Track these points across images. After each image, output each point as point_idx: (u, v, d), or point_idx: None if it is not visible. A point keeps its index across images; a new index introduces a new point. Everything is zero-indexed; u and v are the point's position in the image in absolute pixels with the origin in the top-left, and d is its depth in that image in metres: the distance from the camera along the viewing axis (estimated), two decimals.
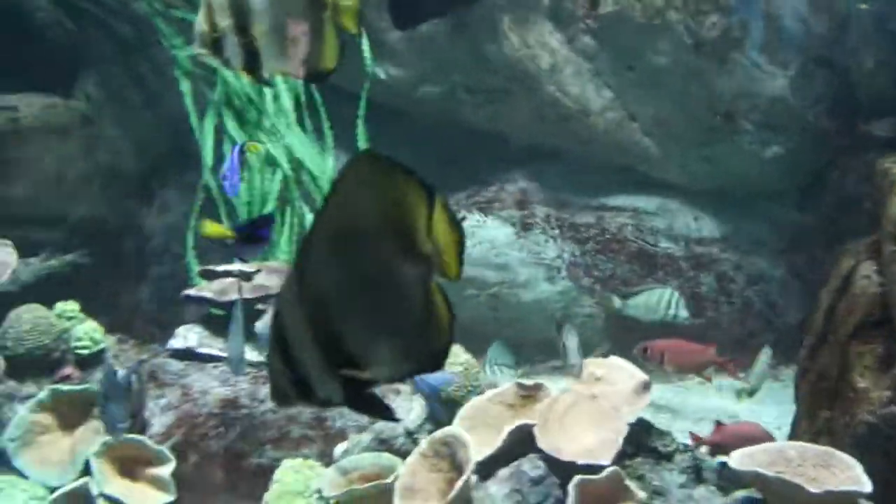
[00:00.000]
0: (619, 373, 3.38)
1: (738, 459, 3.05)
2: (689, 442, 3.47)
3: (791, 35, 5.22)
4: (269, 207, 4.54)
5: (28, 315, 3.90)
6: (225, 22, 2.36)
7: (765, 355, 4.37)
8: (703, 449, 3.49)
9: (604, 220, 5.42)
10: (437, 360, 1.65)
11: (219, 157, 4.70)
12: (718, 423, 3.62)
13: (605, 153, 5.40)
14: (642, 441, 3.32)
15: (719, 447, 3.46)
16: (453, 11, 3.28)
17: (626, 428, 3.21)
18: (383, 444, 3.59)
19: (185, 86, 4.74)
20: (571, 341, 3.12)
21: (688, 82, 5.23)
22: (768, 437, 3.50)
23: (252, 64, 2.40)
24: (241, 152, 3.12)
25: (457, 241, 1.57)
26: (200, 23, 2.38)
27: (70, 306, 4.11)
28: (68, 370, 3.98)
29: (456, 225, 1.58)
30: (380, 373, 1.64)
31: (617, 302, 4.47)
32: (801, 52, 5.24)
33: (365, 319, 1.59)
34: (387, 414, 1.78)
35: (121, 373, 3.52)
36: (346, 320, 1.58)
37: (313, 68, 2.43)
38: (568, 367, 3.30)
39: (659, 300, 4.29)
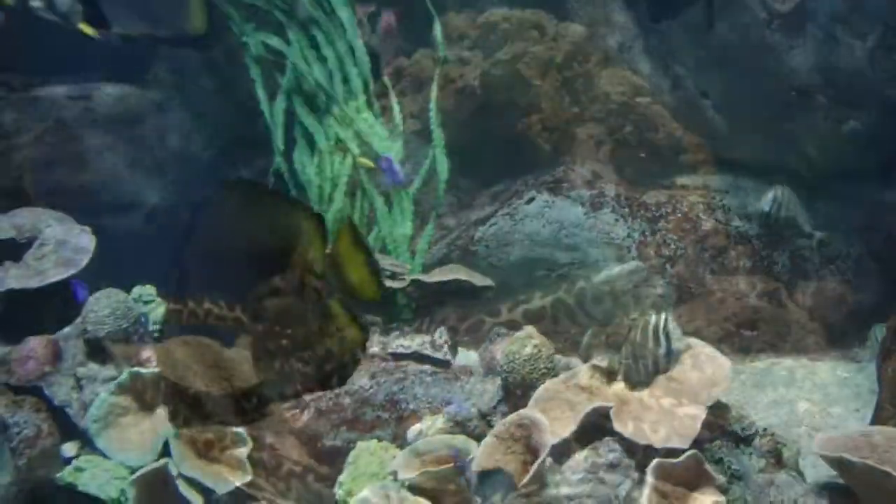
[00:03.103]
0: (697, 354, 3.33)
1: (821, 444, 2.99)
2: None
3: (870, 4, 5.04)
4: (340, 191, 4.56)
5: (107, 299, 3.98)
6: None
7: None
8: None
9: (675, 198, 5.33)
10: (341, 374, 1.66)
11: (288, 142, 4.74)
12: None
13: (676, 131, 5.30)
14: (720, 424, 3.28)
15: None
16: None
17: (705, 411, 3.16)
18: (457, 426, 3.60)
19: (256, 72, 4.77)
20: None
21: (760, 57, 5.10)
22: None
23: (95, 19, 2.22)
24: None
25: (369, 269, 1.58)
26: None
27: (147, 290, 4.18)
28: (146, 353, 4.06)
29: (365, 251, 1.58)
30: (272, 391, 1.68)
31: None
32: (880, 22, 5.06)
33: None
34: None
35: None
36: None
37: (179, 30, 2.25)
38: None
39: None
